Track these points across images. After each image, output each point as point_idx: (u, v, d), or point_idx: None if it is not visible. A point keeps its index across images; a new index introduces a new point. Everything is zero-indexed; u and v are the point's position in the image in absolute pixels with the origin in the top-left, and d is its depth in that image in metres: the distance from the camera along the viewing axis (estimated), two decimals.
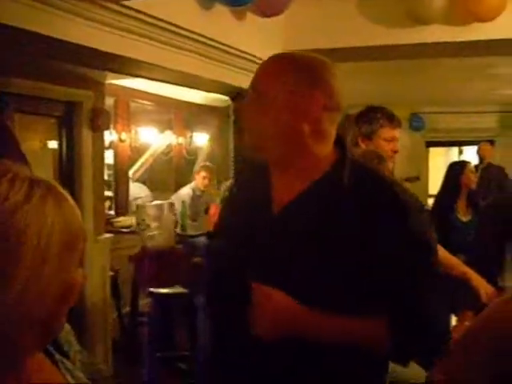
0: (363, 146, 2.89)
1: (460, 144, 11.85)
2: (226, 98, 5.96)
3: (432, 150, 11.55)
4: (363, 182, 1.49)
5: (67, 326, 1.12)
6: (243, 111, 1.55)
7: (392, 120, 2.90)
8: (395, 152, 2.90)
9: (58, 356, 1.05)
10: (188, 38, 3.94)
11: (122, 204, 6.96)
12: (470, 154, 11.06)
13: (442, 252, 2.76)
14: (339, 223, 1.44)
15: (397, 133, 2.92)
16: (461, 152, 12.13)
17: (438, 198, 4.78)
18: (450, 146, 12.17)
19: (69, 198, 0.93)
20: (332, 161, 1.53)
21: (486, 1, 4.46)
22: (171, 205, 1.73)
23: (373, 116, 2.90)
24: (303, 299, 1.41)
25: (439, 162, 12.17)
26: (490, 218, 3.80)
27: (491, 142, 9.47)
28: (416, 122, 10.00)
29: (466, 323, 2.80)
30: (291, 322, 1.42)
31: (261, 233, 1.53)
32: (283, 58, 1.56)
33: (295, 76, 1.48)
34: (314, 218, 1.47)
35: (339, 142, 1.57)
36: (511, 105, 9.85)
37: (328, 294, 1.42)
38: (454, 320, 2.99)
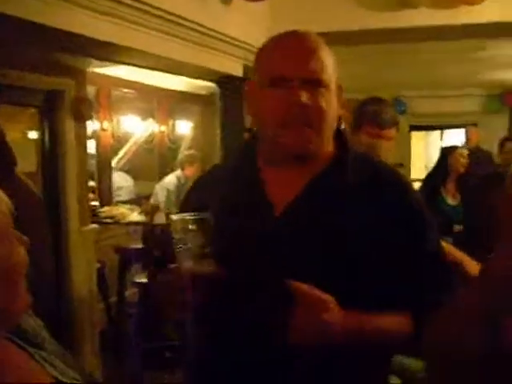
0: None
1: (441, 128, 11.88)
2: (210, 85, 5.87)
3: (413, 135, 11.54)
4: (368, 174, 1.43)
5: (39, 321, 1.13)
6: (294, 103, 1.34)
7: (375, 118, 2.69)
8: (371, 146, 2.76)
9: (30, 349, 1.04)
10: (175, 23, 3.87)
11: (105, 194, 6.86)
12: (451, 138, 11.08)
13: None
14: (349, 217, 1.36)
15: (385, 133, 2.70)
16: (442, 136, 12.17)
17: (427, 180, 4.78)
18: (432, 130, 12.19)
19: None
20: (330, 153, 1.44)
21: None
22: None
23: (362, 109, 2.75)
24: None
25: (419, 146, 12.19)
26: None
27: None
28: (399, 106, 9.98)
29: None
30: (340, 327, 1.27)
31: (263, 238, 1.38)
32: (317, 38, 1.42)
33: (332, 58, 1.42)
34: (324, 214, 1.38)
35: (338, 134, 1.49)
36: (494, 88, 9.86)
37: (352, 292, 1.31)
38: None
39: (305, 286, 1.23)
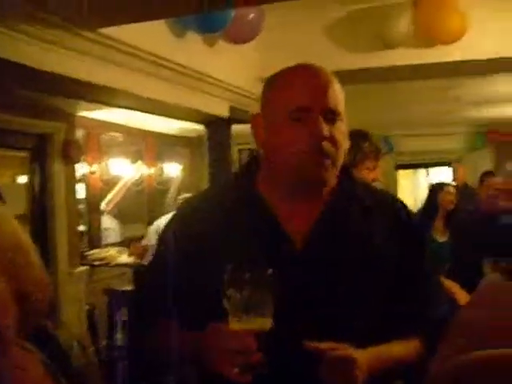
0: None
1: (427, 166, 12.03)
2: (198, 127, 5.96)
3: (400, 173, 11.69)
4: (373, 200, 1.46)
5: (73, 333, 1.08)
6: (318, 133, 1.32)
7: (379, 151, 2.91)
8: (374, 180, 2.90)
9: (48, 361, 1.02)
10: (161, 65, 3.96)
11: (94, 237, 6.87)
12: (438, 176, 11.21)
13: None
14: (369, 243, 1.39)
15: (380, 162, 2.93)
16: (428, 174, 12.32)
17: (417, 217, 4.81)
18: (417, 168, 12.35)
19: None
20: (336, 183, 1.43)
21: (447, 24, 4.61)
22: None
23: (361, 145, 2.86)
24: (352, 327, 1.33)
25: (407, 185, 12.33)
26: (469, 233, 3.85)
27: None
28: (386, 146, 10.11)
29: None
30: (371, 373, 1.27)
31: (286, 271, 1.28)
32: (330, 72, 1.41)
33: (343, 92, 1.40)
34: (342, 242, 1.38)
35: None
36: (475, 126, 10.04)
37: (374, 316, 1.36)
38: None
39: (326, 345, 1.22)
